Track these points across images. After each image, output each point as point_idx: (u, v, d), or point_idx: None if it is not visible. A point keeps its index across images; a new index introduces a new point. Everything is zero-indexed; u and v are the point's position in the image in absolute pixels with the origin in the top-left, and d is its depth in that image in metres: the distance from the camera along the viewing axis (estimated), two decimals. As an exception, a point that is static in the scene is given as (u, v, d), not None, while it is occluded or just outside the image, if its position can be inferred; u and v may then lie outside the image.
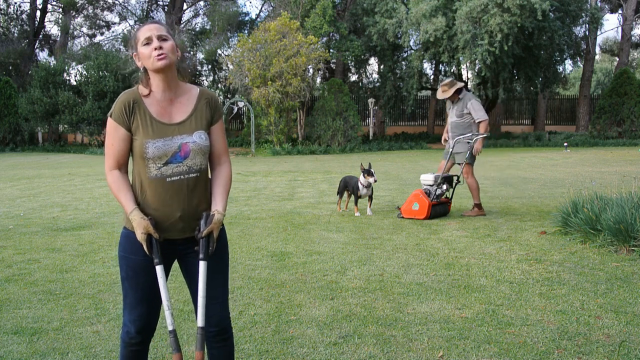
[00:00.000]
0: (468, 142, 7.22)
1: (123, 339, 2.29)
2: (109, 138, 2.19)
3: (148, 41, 2.16)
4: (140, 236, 2.10)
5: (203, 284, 2.15)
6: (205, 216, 2.19)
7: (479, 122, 7.17)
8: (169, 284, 2.32)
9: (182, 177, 2.17)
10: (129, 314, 2.25)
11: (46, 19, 32.93)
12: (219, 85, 29.76)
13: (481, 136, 7.27)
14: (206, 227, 2.16)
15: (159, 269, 2.14)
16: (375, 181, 7.13)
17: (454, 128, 7.32)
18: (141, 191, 2.19)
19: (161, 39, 2.17)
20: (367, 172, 7.09)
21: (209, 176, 2.32)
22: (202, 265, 2.16)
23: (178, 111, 2.22)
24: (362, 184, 7.20)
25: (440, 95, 7.36)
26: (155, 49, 2.14)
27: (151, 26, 2.20)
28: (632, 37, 31.16)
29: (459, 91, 7.32)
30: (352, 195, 7.46)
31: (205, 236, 2.17)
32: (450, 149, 7.32)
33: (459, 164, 7.39)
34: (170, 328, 2.13)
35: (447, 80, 7.34)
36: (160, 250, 2.15)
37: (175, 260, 2.34)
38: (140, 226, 2.10)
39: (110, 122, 2.18)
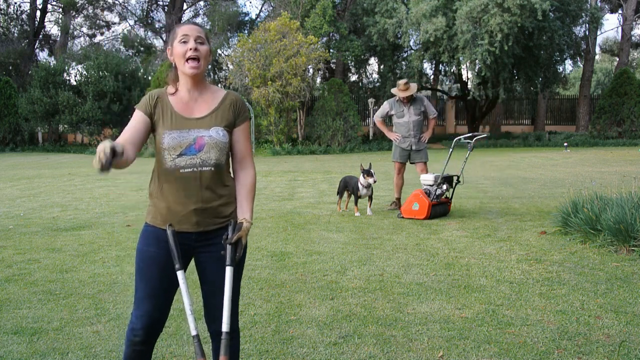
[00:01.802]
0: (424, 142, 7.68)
1: (128, 336, 2.27)
2: (130, 122, 2.24)
3: (185, 39, 2.18)
4: (100, 147, 1.85)
5: (229, 290, 2.12)
6: (233, 223, 2.19)
7: (433, 118, 7.77)
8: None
9: (194, 169, 2.18)
10: (136, 309, 2.25)
11: (46, 19, 32.96)
12: (219, 85, 29.77)
13: (482, 135, 7.88)
14: (235, 234, 2.16)
15: (180, 275, 2.12)
16: (375, 182, 7.13)
17: (415, 127, 7.58)
18: (159, 182, 2.23)
19: (198, 41, 2.20)
20: (367, 173, 7.09)
21: (231, 176, 2.33)
22: (228, 271, 2.14)
23: (200, 108, 2.25)
24: (362, 184, 7.20)
25: (404, 93, 7.48)
26: (190, 49, 2.17)
27: (192, 27, 2.23)
28: (632, 37, 31.15)
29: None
30: (352, 195, 7.46)
31: (233, 243, 2.15)
32: (411, 148, 7.60)
33: (417, 163, 7.67)
34: (193, 333, 2.09)
35: (404, 80, 7.57)
36: (181, 255, 2.13)
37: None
38: (102, 145, 1.87)
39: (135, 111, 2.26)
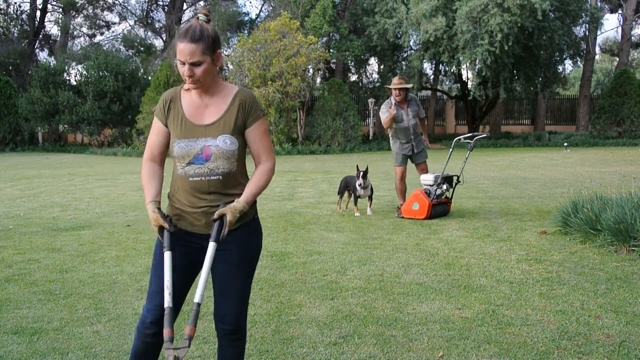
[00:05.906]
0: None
1: (138, 328, 2.32)
2: (151, 130, 2.37)
3: (182, 62, 2.18)
4: (153, 227, 2.24)
5: (208, 264, 2.15)
6: (222, 204, 2.23)
7: (424, 118, 7.54)
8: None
9: (203, 178, 2.25)
10: (148, 302, 2.30)
11: (46, 19, 32.95)
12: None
13: (482, 135, 7.87)
14: (220, 209, 2.20)
15: (167, 255, 2.18)
16: (361, 185, 7.09)
17: (414, 129, 7.30)
18: (174, 183, 2.35)
19: (192, 62, 2.16)
20: (359, 175, 7.10)
21: (248, 177, 2.38)
22: (211, 246, 2.17)
23: (210, 113, 2.27)
24: (358, 184, 7.22)
25: (400, 85, 7.20)
26: (187, 75, 2.18)
27: (186, 49, 2.14)
28: (632, 37, 31.14)
29: (408, 90, 7.44)
30: (353, 195, 7.47)
31: (217, 218, 2.19)
32: (412, 152, 7.34)
33: (419, 163, 7.45)
34: (166, 305, 2.11)
35: (397, 76, 7.38)
36: (173, 240, 2.20)
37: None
38: (152, 218, 2.24)
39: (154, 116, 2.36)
